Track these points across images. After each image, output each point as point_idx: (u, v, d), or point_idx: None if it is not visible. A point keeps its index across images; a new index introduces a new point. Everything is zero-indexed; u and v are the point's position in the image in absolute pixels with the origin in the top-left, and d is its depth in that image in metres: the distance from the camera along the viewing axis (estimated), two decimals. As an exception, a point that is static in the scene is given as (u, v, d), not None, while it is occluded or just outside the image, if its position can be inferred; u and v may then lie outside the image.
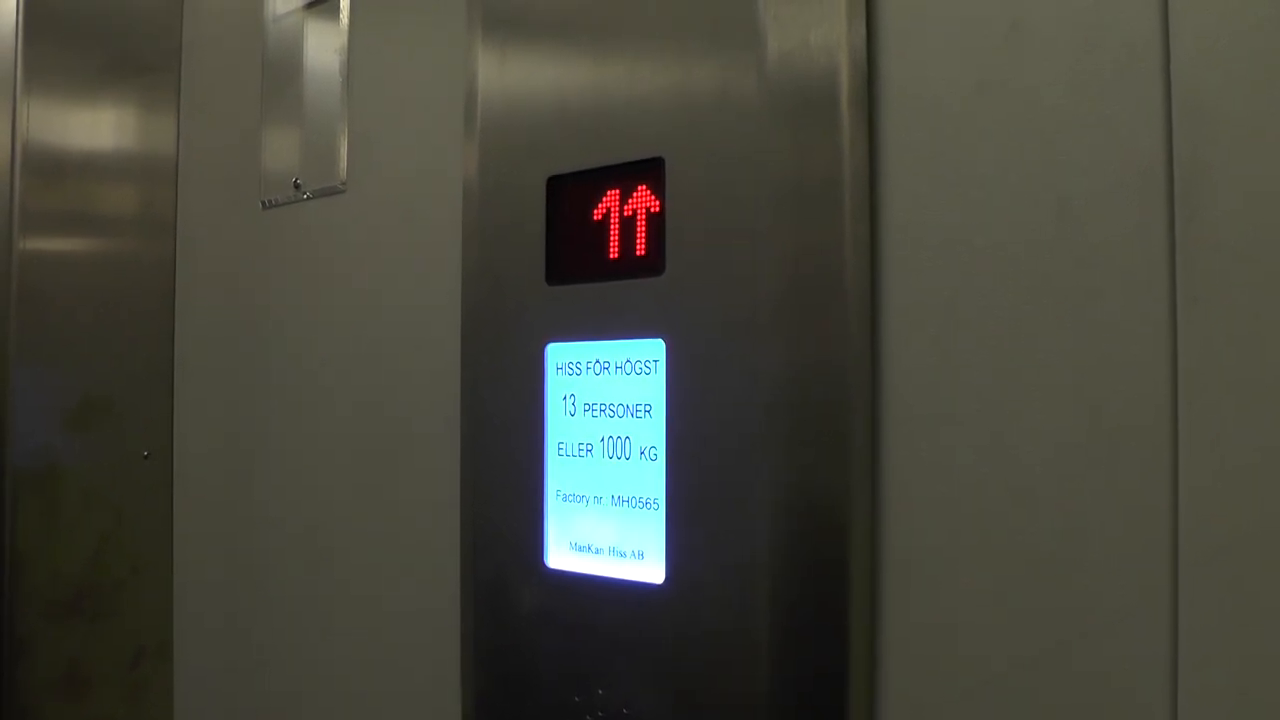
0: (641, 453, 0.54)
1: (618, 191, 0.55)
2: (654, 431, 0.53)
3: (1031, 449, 0.43)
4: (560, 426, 0.58)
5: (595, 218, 0.56)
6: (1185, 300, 0.39)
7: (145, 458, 0.89)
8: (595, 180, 0.56)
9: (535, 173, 0.59)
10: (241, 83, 0.85)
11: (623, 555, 0.54)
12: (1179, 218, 0.39)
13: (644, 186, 0.54)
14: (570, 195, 0.57)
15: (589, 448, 0.56)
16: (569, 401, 0.57)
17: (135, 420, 0.89)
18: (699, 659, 0.51)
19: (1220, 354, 0.38)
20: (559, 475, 0.58)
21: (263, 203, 0.83)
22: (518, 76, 0.60)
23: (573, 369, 0.57)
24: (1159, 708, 0.39)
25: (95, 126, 0.88)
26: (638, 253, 0.54)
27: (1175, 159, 0.40)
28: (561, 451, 0.57)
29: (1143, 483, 0.40)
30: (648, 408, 0.53)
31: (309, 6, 0.79)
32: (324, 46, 0.77)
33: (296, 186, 0.79)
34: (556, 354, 0.58)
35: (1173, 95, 0.40)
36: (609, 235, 0.55)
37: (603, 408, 0.56)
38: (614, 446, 0.55)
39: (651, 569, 0.53)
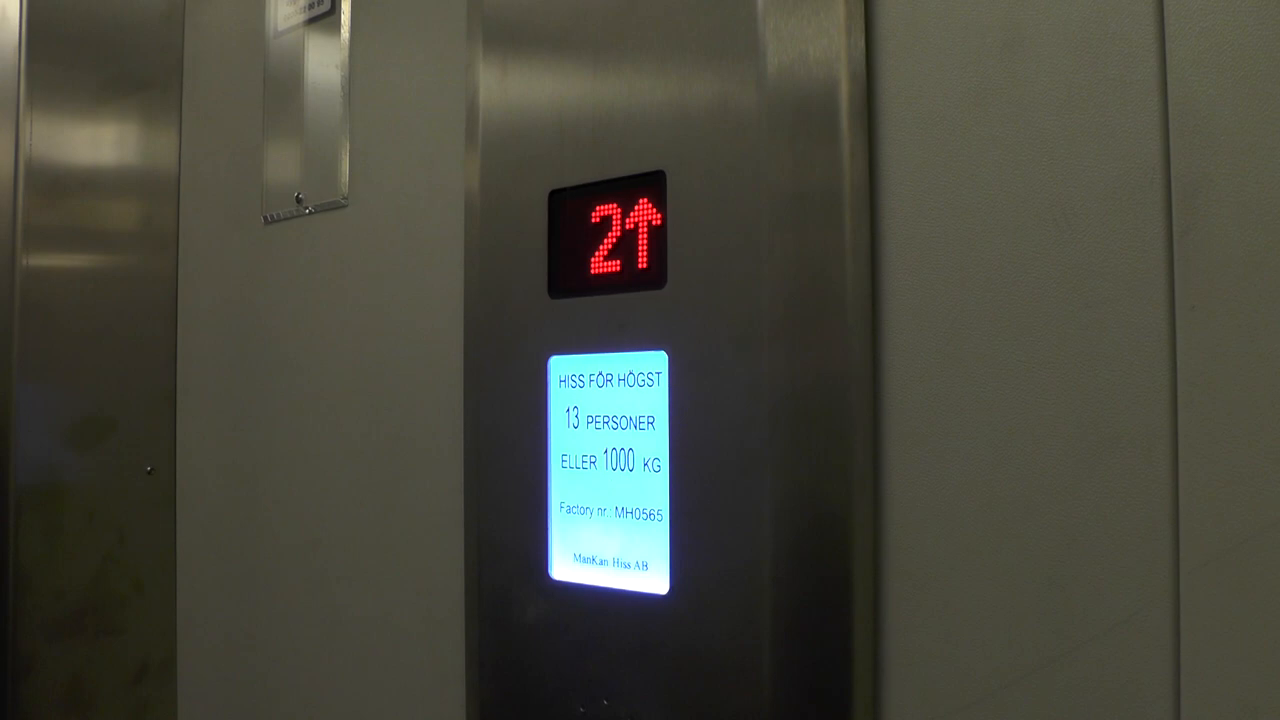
0: (645, 464, 0.54)
1: (619, 205, 0.55)
2: (657, 443, 0.53)
3: (1033, 458, 0.43)
4: (563, 439, 0.58)
5: (597, 231, 0.56)
6: (1183, 307, 0.40)
7: (148, 474, 0.89)
8: (597, 194, 0.56)
9: (537, 186, 0.59)
10: (243, 98, 0.85)
11: (626, 566, 0.54)
12: (1176, 226, 0.40)
13: (645, 200, 0.54)
14: (572, 208, 0.57)
15: (592, 460, 0.56)
16: (572, 414, 0.57)
17: (138, 436, 0.89)
18: (703, 669, 0.51)
19: (1219, 360, 0.39)
20: (562, 487, 0.58)
21: (265, 217, 0.83)
22: (519, 91, 0.61)
23: (576, 381, 0.57)
24: (1161, 714, 0.39)
25: (97, 142, 0.88)
26: (640, 265, 0.54)
27: (1173, 168, 0.40)
28: (565, 464, 0.58)
29: (1143, 489, 0.40)
30: (650, 419, 0.54)
31: (310, 21, 0.79)
32: (325, 61, 0.78)
33: (298, 201, 0.80)
34: (559, 366, 0.58)
35: (1170, 104, 0.40)
36: (611, 248, 0.55)
37: (606, 420, 0.56)
38: (617, 458, 0.55)
39: (655, 580, 0.53)
